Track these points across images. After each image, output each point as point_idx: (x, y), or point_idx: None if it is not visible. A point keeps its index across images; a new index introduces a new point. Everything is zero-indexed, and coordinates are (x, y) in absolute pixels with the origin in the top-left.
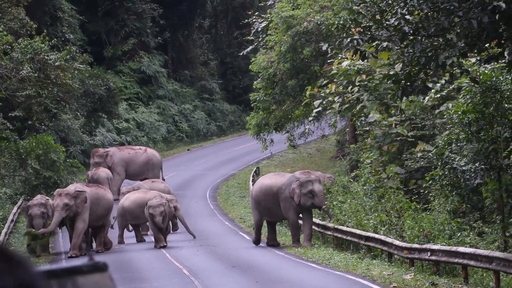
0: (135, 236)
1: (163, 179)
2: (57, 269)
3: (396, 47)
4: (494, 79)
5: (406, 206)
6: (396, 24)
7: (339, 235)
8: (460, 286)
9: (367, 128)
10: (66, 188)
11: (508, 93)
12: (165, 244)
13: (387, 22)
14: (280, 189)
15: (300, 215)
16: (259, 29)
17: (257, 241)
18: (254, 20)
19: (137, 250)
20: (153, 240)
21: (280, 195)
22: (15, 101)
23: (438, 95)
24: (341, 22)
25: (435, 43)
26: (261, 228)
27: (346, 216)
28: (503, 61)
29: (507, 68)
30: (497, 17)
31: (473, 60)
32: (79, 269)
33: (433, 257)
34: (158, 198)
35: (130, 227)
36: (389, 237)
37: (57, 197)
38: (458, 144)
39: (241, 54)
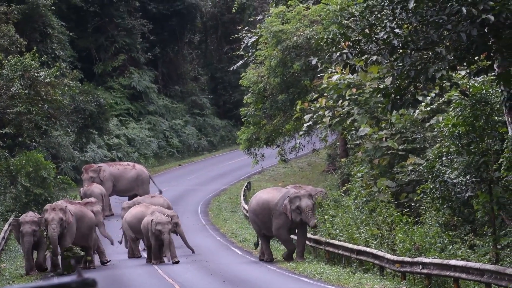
0: (129, 252)
1: (160, 192)
2: (47, 285)
3: (386, 61)
4: (484, 92)
5: (397, 219)
6: (385, 37)
7: (331, 249)
8: None
9: (358, 142)
10: (57, 203)
11: (498, 106)
12: (178, 260)
13: (376, 36)
14: (276, 205)
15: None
16: (249, 44)
17: (269, 256)
18: (244, 35)
19: (129, 266)
20: (146, 256)
21: (275, 212)
22: (5, 118)
23: (428, 108)
24: (331, 36)
25: (425, 57)
26: (268, 242)
27: (337, 230)
28: (493, 73)
29: (496, 81)
30: (486, 30)
31: (463, 73)
32: (68, 286)
33: (425, 270)
34: (162, 214)
35: (122, 240)
36: (381, 250)
37: (51, 211)
38: (449, 157)
39: (231, 69)
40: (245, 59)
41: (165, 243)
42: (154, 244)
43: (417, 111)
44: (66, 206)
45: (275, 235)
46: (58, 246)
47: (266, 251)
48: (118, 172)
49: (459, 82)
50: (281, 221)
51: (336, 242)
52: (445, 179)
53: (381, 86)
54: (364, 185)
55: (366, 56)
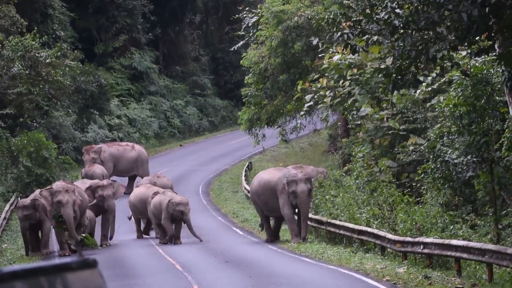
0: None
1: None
2: (46, 265)
3: (387, 41)
4: (485, 72)
5: (398, 199)
6: (386, 18)
7: (332, 229)
8: (453, 279)
9: (359, 122)
10: (68, 185)
11: (499, 86)
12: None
13: (377, 16)
14: (277, 184)
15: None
16: (250, 24)
17: (270, 237)
18: (244, 15)
19: (131, 246)
20: (158, 237)
21: (277, 190)
22: (6, 99)
23: (429, 89)
24: (332, 16)
25: (426, 37)
26: (269, 222)
27: (338, 210)
28: (494, 53)
29: (497, 61)
30: (487, 10)
31: (464, 53)
32: (68, 266)
33: (426, 250)
34: (168, 194)
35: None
36: (382, 230)
37: (64, 193)
38: (450, 137)
39: (232, 49)
40: (246, 39)
41: (188, 224)
42: (168, 225)
43: (418, 91)
44: (74, 188)
45: (282, 213)
46: (74, 229)
47: (267, 232)
48: (118, 153)
49: (460, 62)
50: (282, 199)
51: (337, 222)
52: (446, 159)
53: (382, 66)
54: (365, 165)
55: (367, 36)
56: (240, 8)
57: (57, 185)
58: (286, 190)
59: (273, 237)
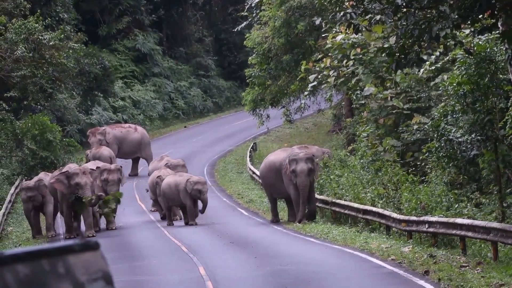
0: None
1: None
2: (48, 248)
3: (390, 20)
4: (488, 50)
5: (403, 178)
6: None
7: (337, 209)
8: (458, 257)
9: (363, 102)
10: (84, 167)
11: (503, 64)
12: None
13: None
14: (281, 165)
15: None
16: (253, 5)
17: (275, 218)
18: None
19: (136, 228)
20: (173, 217)
21: (282, 170)
22: (10, 82)
23: (433, 67)
24: None
25: (428, 15)
26: (276, 204)
27: (343, 190)
28: (497, 32)
29: (500, 39)
30: None
31: (467, 31)
32: (70, 248)
33: (431, 229)
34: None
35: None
36: (387, 210)
37: (82, 175)
38: (454, 115)
39: (235, 30)
40: (249, 20)
41: (204, 203)
42: (190, 204)
43: (421, 70)
44: (90, 170)
45: (289, 193)
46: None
47: (272, 212)
48: (121, 135)
49: (463, 40)
50: (287, 179)
51: (342, 202)
52: (451, 137)
53: (386, 46)
54: (369, 144)
55: (370, 15)
56: None
57: (72, 167)
58: (288, 169)
59: (278, 218)
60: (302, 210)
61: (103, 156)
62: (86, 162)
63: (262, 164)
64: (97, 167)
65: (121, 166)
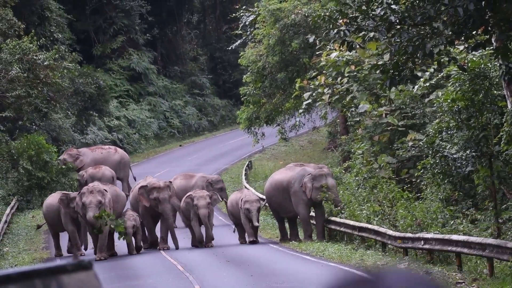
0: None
1: (134, 178)
2: (41, 268)
3: (383, 37)
4: (482, 66)
5: (398, 195)
6: (382, 14)
7: (333, 227)
8: (454, 274)
9: (358, 119)
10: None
11: (497, 80)
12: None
13: (373, 12)
14: (290, 183)
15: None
16: (247, 23)
17: (283, 237)
18: (241, 14)
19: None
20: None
21: (290, 189)
22: (5, 102)
23: (427, 84)
24: (328, 13)
25: (422, 32)
26: (283, 223)
27: (339, 208)
28: (491, 47)
29: (494, 55)
30: (483, 3)
31: (461, 47)
32: (63, 268)
33: (427, 246)
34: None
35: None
36: (383, 227)
37: (88, 194)
38: (449, 132)
39: (230, 48)
40: (244, 38)
41: (249, 220)
42: (245, 222)
43: (416, 86)
44: (104, 189)
45: (297, 213)
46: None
47: (281, 232)
48: (101, 156)
49: (457, 57)
50: (298, 197)
51: (338, 219)
52: (446, 154)
53: (380, 63)
54: (365, 161)
55: (363, 32)
56: (237, 7)
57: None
58: (309, 187)
59: (287, 237)
60: (322, 225)
61: (105, 176)
62: (80, 185)
63: (267, 184)
64: (145, 186)
65: (170, 182)
